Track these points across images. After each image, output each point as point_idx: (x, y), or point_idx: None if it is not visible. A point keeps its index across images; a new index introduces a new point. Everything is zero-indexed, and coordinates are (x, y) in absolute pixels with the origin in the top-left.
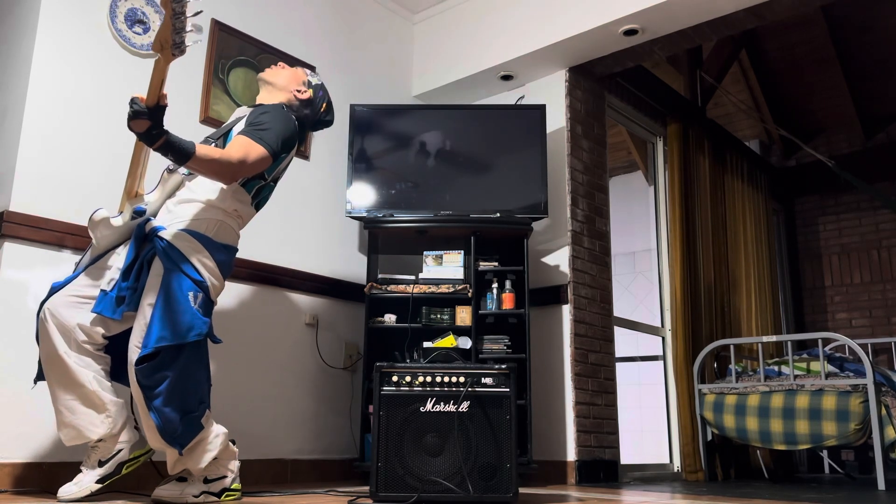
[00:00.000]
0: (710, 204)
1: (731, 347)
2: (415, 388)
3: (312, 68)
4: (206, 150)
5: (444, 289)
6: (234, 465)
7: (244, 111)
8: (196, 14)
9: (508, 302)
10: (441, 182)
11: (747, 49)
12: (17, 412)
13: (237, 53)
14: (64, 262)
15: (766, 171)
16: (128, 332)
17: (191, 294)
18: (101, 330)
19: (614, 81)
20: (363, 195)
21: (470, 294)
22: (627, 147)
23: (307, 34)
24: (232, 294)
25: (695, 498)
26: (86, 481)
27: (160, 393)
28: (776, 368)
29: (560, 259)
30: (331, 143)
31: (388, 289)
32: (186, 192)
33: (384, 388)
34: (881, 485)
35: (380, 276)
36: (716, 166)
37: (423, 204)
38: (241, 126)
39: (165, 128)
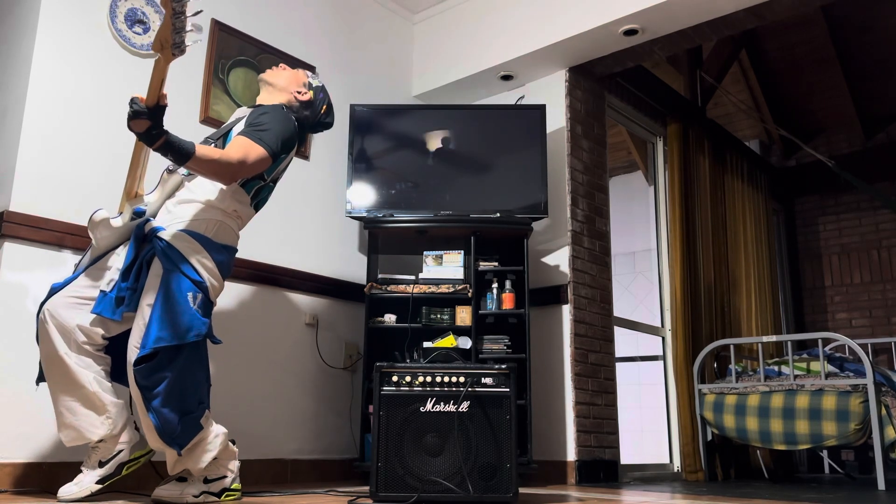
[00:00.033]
0: (710, 204)
1: (731, 347)
2: (415, 388)
3: (312, 69)
4: (205, 151)
5: (444, 289)
6: (234, 465)
7: (244, 112)
8: (196, 14)
9: (508, 302)
10: (441, 182)
11: (747, 49)
12: (17, 412)
13: (237, 53)
14: (64, 262)
15: (766, 171)
16: (128, 333)
17: (190, 295)
18: (100, 331)
19: (614, 81)
20: (363, 195)
21: (470, 294)
22: (627, 147)
23: (307, 34)
24: (232, 294)
25: (695, 498)
26: (86, 482)
27: (158, 393)
28: (776, 368)
29: (560, 259)
30: (331, 143)
31: (388, 289)
32: (186, 192)
33: (384, 388)
34: (881, 485)
35: (380, 276)
36: (716, 166)
37: (423, 204)
38: (240, 126)
39: (165, 128)
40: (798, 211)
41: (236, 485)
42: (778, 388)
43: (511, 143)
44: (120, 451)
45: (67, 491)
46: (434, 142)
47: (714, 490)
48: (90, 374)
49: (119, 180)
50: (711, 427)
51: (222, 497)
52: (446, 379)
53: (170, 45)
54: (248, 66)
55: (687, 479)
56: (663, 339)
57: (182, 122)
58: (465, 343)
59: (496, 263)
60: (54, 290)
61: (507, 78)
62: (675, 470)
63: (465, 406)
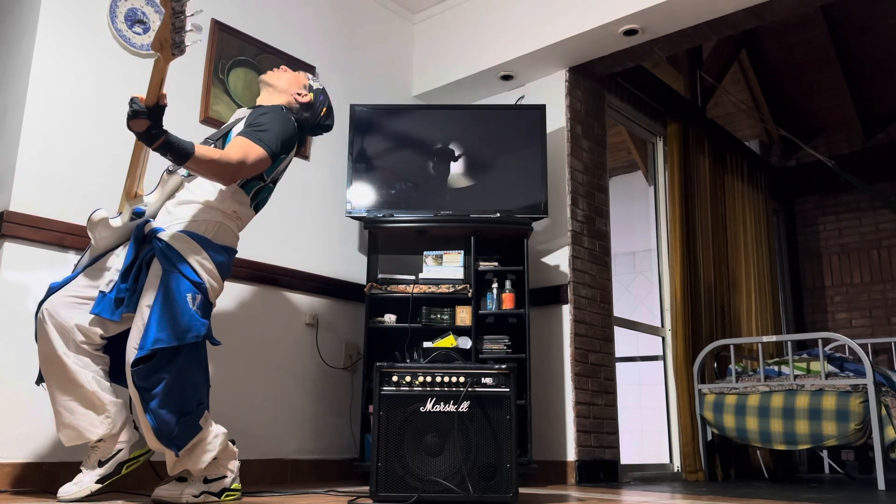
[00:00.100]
0: (710, 204)
1: (731, 347)
2: (415, 388)
3: (313, 69)
4: (205, 151)
5: (444, 289)
6: (234, 465)
7: (244, 112)
8: (196, 13)
9: (508, 302)
10: (441, 182)
11: (747, 49)
12: (17, 412)
13: (237, 53)
14: (64, 262)
15: (766, 171)
16: (127, 333)
17: (189, 296)
18: (99, 330)
19: (614, 81)
20: (363, 195)
21: (470, 294)
22: (627, 147)
23: (307, 34)
24: (232, 294)
25: (695, 498)
26: (86, 481)
27: (156, 395)
28: (776, 368)
29: (560, 259)
30: (331, 144)
31: (388, 289)
32: (185, 193)
33: (384, 388)
34: (881, 485)
35: (380, 276)
36: (716, 166)
37: (423, 204)
38: (240, 127)
39: (165, 128)
40: (798, 211)
41: (236, 485)
42: (778, 388)
43: (511, 143)
44: (119, 451)
45: (67, 491)
46: (434, 142)
47: (714, 490)
48: (89, 373)
49: (119, 180)
50: (711, 427)
51: (222, 497)
52: (446, 379)
53: (169, 44)
54: (249, 67)
55: (687, 479)
56: (663, 339)
57: (182, 122)
58: (465, 343)
59: (496, 263)
60: (53, 289)
61: (507, 78)
62: (675, 470)
63: (465, 406)
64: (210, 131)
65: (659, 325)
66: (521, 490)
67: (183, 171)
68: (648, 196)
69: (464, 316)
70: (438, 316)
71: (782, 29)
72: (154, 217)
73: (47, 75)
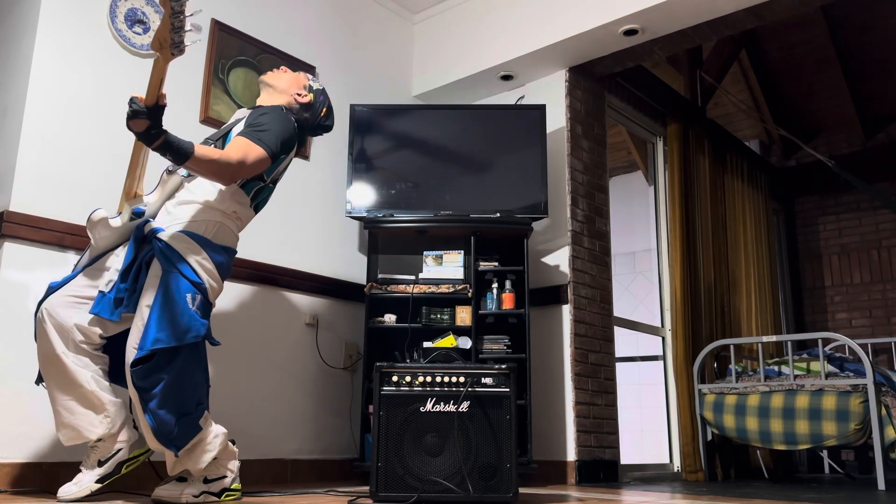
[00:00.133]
0: (710, 204)
1: (731, 347)
2: (415, 388)
3: (313, 69)
4: (204, 151)
5: (444, 289)
6: (234, 465)
7: (243, 113)
8: (195, 13)
9: (508, 302)
10: (441, 182)
11: (747, 49)
12: (17, 412)
13: (237, 53)
14: (64, 262)
15: (766, 171)
16: (127, 333)
17: (188, 296)
18: (98, 330)
19: (614, 81)
20: (363, 195)
21: (470, 294)
22: (627, 147)
23: (307, 34)
24: (232, 294)
25: (695, 498)
26: (85, 481)
27: (156, 395)
28: (776, 368)
29: (560, 259)
30: (331, 144)
31: (388, 289)
32: (185, 193)
33: (384, 388)
34: (881, 485)
35: (380, 276)
36: (716, 166)
37: (423, 204)
38: (240, 127)
39: (164, 128)
40: (798, 211)
41: (236, 485)
42: (778, 388)
43: (511, 143)
44: (119, 450)
45: (67, 491)
46: (434, 142)
47: (714, 490)
48: (88, 373)
49: (119, 180)
50: (711, 427)
51: (222, 497)
52: (446, 379)
53: (169, 44)
54: (249, 67)
55: (687, 479)
56: (663, 339)
57: (182, 122)
58: (465, 343)
59: (496, 263)
60: (52, 289)
61: (507, 78)
62: (675, 470)
63: (465, 406)
64: (210, 131)
65: (659, 325)
66: (521, 490)
67: (183, 172)
68: (648, 196)
69: (464, 316)
70: (438, 316)
71: (782, 29)
72: (154, 217)
73: (47, 75)
